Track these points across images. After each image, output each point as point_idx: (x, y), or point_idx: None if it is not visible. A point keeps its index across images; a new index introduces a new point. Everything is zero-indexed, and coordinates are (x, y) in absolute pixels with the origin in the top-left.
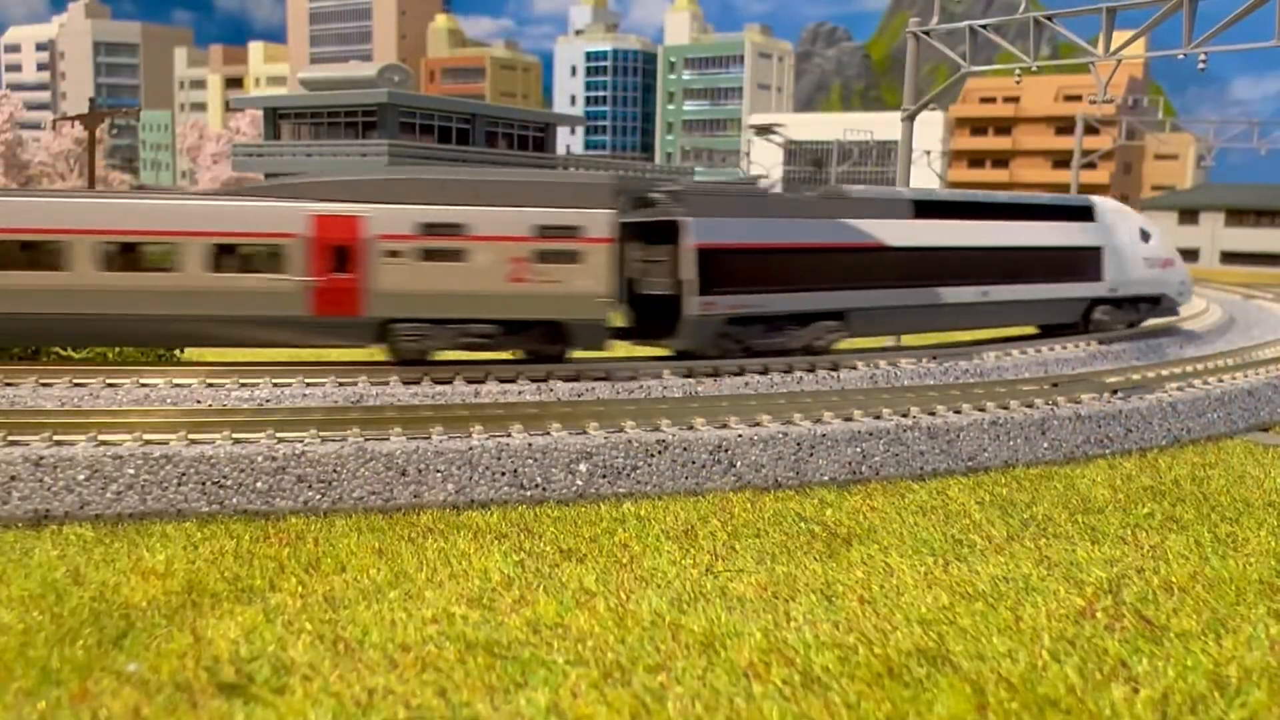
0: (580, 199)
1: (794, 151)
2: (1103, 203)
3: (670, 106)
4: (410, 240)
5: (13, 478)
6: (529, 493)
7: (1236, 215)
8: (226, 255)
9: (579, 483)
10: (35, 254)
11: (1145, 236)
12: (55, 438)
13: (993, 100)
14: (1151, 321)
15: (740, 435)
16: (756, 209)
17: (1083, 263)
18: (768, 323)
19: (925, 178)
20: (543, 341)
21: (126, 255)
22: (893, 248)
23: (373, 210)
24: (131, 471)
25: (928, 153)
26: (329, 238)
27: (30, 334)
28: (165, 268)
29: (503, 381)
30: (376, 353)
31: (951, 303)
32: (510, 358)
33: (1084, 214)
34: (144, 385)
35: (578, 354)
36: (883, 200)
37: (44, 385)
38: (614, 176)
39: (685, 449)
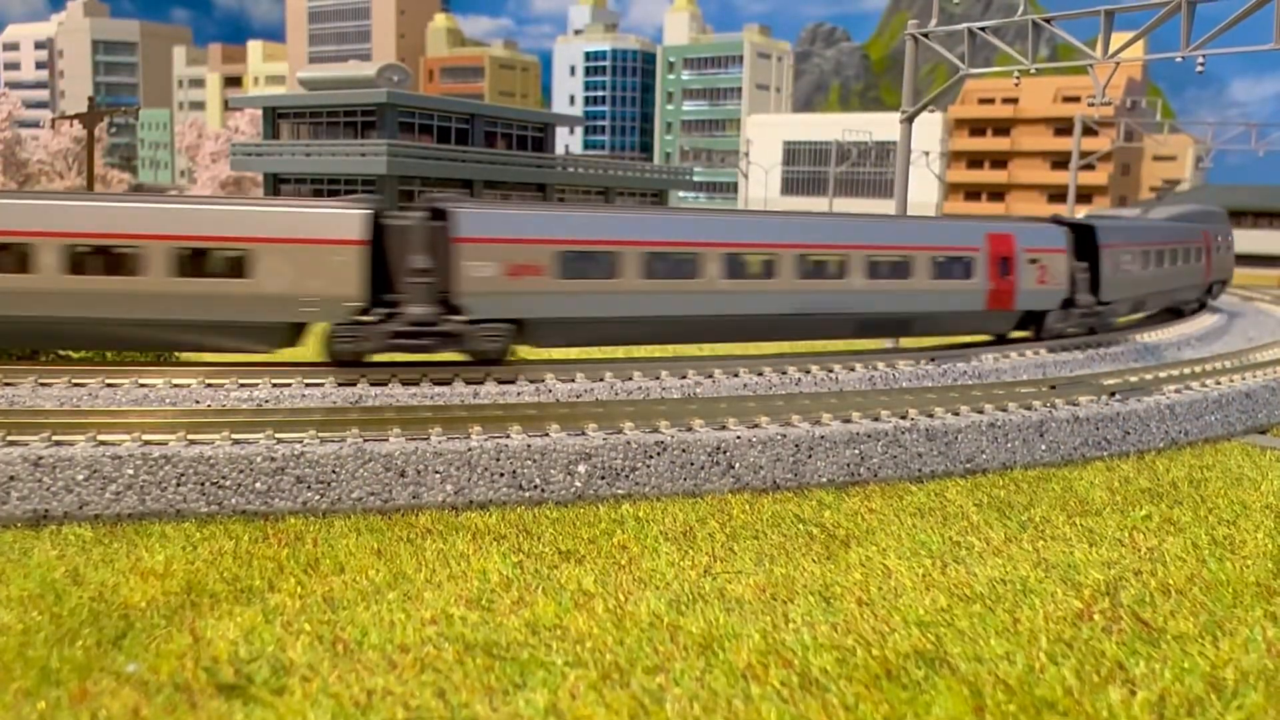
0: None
1: (792, 152)
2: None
3: (669, 106)
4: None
5: (12, 478)
6: (528, 494)
7: (1235, 217)
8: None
9: (578, 484)
10: None
11: None
12: (54, 438)
13: (991, 101)
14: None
15: (739, 437)
16: None
17: None
18: None
19: (924, 179)
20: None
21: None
22: None
23: (1211, 228)
24: (130, 472)
25: (926, 153)
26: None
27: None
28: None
29: (501, 383)
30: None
31: None
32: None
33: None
34: (143, 385)
35: (574, 355)
36: None
37: (43, 385)
38: None
39: (684, 450)
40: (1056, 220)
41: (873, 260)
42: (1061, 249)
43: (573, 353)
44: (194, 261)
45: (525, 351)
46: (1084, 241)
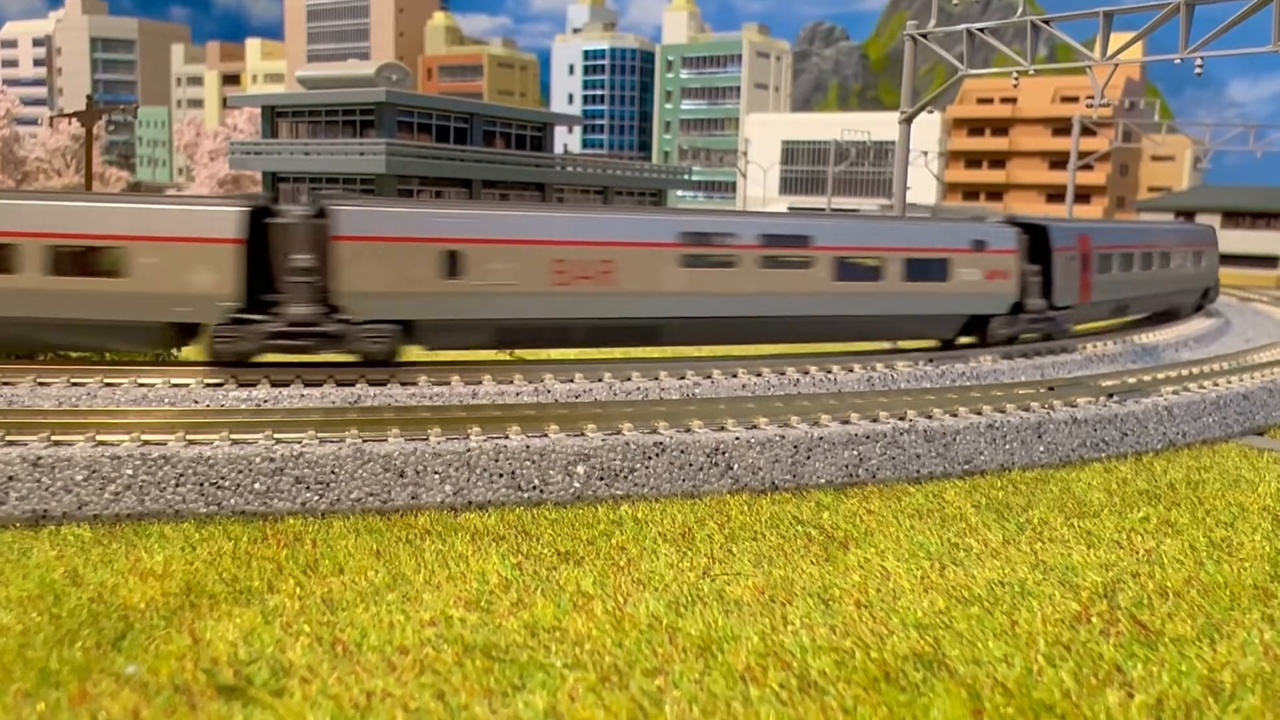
0: None
1: (791, 151)
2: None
3: (668, 105)
4: None
5: (11, 478)
6: (526, 495)
7: (1233, 217)
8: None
9: (576, 485)
10: None
11: None
12: (53, 438)
13: (990, 101)
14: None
15: (737, 438)
16: None
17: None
18: None
19: (922, 178)
20: None
21: None
22: None
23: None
24: (129, 472)
25: (925, 153)
26: None
27: None
28: None
29: (500, 383)
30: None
31: None
32: (509, 358)
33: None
34: (142, 385)
35: (572, 355)
36: None
37: (41, 385)
38: None
39: (683, 451)
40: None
41: None
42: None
43: (570, 353)
44: None
45: (524, 352)
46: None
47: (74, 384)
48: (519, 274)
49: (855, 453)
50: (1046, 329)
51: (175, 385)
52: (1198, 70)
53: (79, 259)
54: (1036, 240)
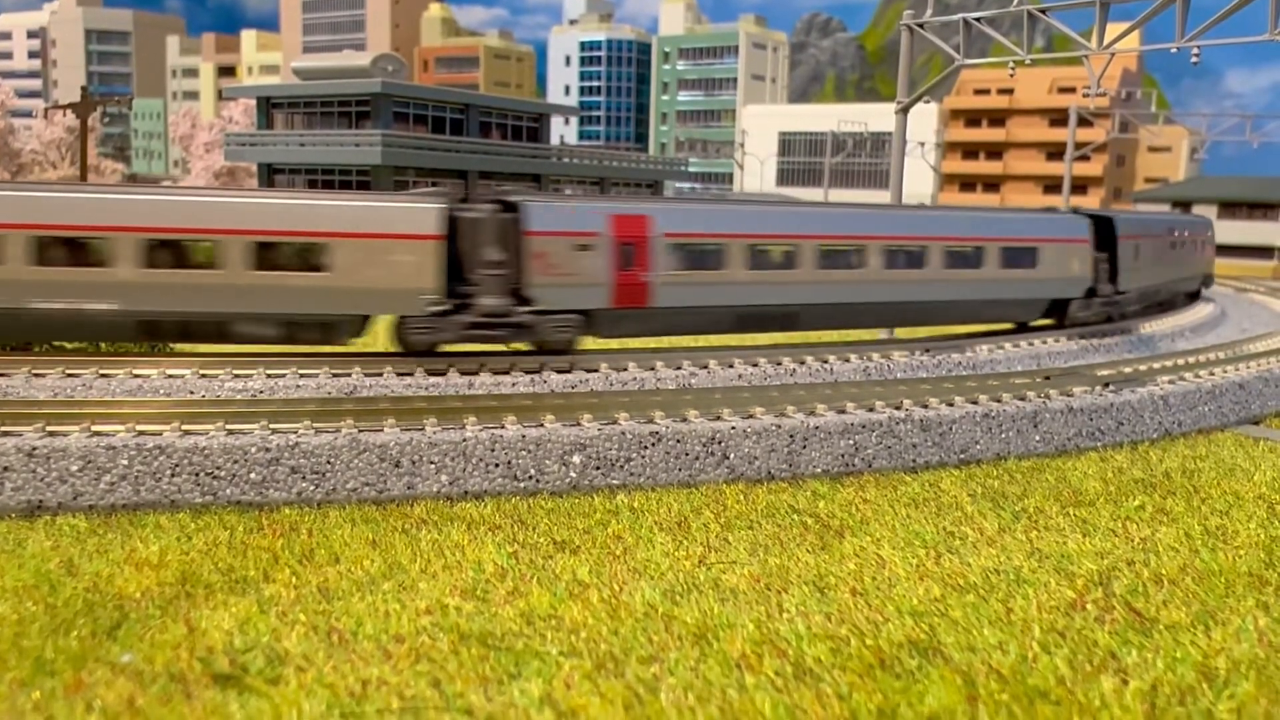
0: None
1: (788, 142)
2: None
3: (664, 97)
4: None
5: (6, 468)
6: (522, 484)
7: (1229, 208)
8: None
9: (572, 474)
10: None
11: None
12: (48, 428)
13: (987, 92)
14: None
15: (734, 427)
16: None
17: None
18: None
19: (919, 169)
20: None
21: None
22: None
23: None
24: (125, 462)
25: (921, 144)
26: None
27: None
28: None
29: (496, 373)
30: (370, 344)
31: None
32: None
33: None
34: (137, 376)
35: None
36: None
37: (37, 376)
38: None
39: (679, 441)
40: None
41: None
42: None
43: None
44: None
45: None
46: None
47: (69, 375)
48: (1151, 258)
49: (851, 442)
50: None
51: (170, 376)
52: (1194, 59)
53: (905, 256)
54: None
